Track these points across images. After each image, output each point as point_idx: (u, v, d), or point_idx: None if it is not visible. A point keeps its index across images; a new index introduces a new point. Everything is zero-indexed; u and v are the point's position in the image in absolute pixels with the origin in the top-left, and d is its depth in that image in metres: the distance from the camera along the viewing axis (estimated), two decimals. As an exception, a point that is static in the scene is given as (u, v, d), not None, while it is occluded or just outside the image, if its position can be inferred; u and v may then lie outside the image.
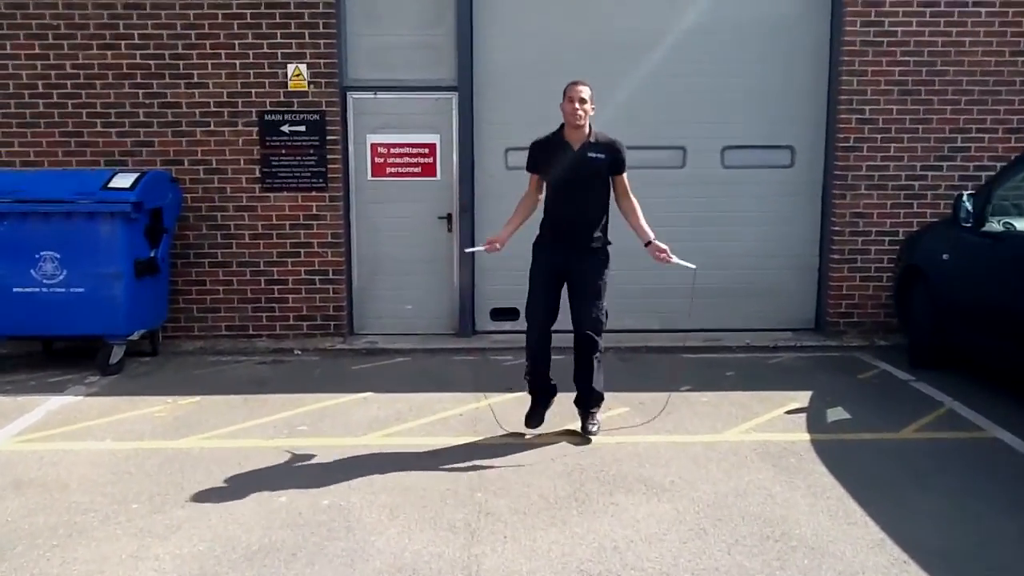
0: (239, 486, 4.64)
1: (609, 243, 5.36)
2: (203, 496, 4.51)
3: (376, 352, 7.64)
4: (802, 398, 6.20)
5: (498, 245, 5.29)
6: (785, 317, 8.41)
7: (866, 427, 5.57)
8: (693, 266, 5.37)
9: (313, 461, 5.05)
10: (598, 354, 5.36)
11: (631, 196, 5.38)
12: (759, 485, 4.64)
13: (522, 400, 5.62)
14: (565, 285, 5.32)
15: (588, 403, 5.54)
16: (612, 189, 5.34)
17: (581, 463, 5.00)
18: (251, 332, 7.97)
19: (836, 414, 5.84)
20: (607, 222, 5.33)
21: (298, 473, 4.86)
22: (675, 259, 5.30)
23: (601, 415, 5.61)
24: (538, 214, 5.38)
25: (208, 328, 7.94)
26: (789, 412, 5.89)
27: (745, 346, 7.87)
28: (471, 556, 3.85)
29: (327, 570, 3.72)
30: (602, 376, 5.46)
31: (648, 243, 5.32)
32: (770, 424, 5.65)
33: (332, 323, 7.99)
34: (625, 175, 5.34)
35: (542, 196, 5.36)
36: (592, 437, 5.40)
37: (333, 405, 6.07)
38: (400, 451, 5.20)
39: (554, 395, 5.56)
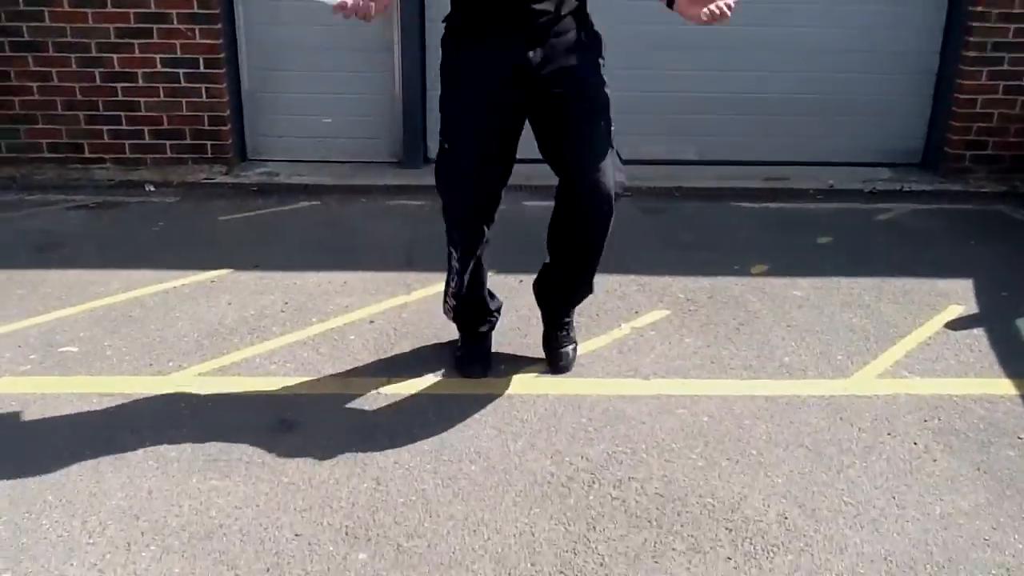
0: None
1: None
2: None
3: (271, 190, 5.00)
4: (959, 292, 3.67)
5: (367, 12, 2.29)
6: (878, 146, 5.72)
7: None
8: None
9: (38, 441, 2.56)
10: (608, 232, 2.78)
11: None
12: (975, 530, 2.21)
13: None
14: (527, 117, 2.68)
15: (568, 306, 3.06)
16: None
17: (581, 466, 2.52)
18: (88, 155, 5.28)
19: (1034, 330, 3.37)
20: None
21: None
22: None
23: (627, 325, 3.10)
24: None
25: (21, 148, 5.24)
26: (950, 325, 3.39)
27: (828, 189, 5.25)
28: None
29: None
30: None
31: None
32: (928, 352, 3.16)
33: (210, 143, 5.30)
34: None
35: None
36: (567, 370, 3.02)
37: (153, 295, 3.52)
38: (212, 427, 2.70)
39: (497, 316, 3.09)
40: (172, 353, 3.05)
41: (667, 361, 3.07)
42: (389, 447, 2.53)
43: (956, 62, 5.39)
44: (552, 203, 2.76)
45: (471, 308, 2.94)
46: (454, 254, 2.79)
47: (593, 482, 2.41)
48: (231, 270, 3.75)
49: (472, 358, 2.99)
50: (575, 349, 3.04)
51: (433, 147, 5.59)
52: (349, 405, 2.75)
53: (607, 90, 2.64)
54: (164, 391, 2.81)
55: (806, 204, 4.93)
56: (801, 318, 3.42)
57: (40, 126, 5.19)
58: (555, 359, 2.99)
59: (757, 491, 2.39)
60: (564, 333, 3.03)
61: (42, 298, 3.46)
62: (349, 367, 2.97)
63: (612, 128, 2.66)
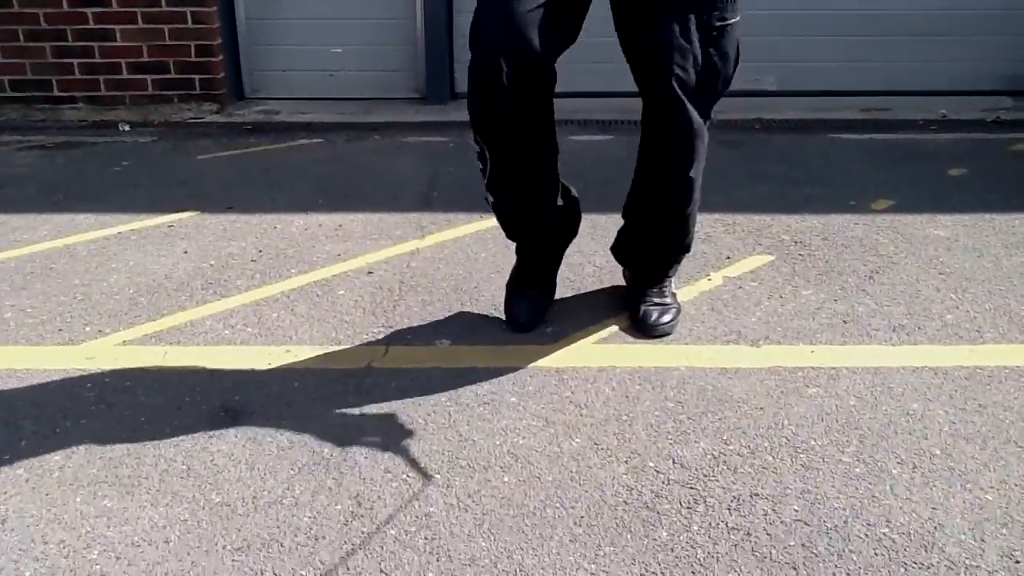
0: None
1: None
2: None
3: (268, 128, 4.15)
4: None
5: None
6: (996, 72, 4.73)
7: None
8: None
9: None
10: (695, 164, 1.93)
11: None
12: None
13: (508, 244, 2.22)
14: None
15: (662, 269, 2.18)
16: None
17: (674, 477, 1.64)
18: (57, 93, 4.49)
19: None
20: None
21: None
22: None
23: (718, 274, 2.24)
24: None
25: (-20, 86, 4.48)
26: None
27: (941, 120, 4.29)
28: None
29: None
30: (697, 206, 2.06)
31: None
32: None
33: (198, 78, 4.47)
34: None
35: None
36: (664, 337, 2.10)
37: (89, 243, 2.69)
38: (122, 419, 1.86)
39: (572, 238, 2.19)
40: (93, 315, 2.22)
41: (782, 321, 2.17)
42: (379, 448, 1.69)
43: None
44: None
45: (521, 206, 2.04)
46: (493, 162, 1.91)
47: (695, 502, 1.54)
48: (197, 213, 2.91)
49: (521, 295, 2.15)
50: (677, 311, 2.17)
51: (461, 81, 4.78)
52: (326, 385, 1.90)
53: None
54: (68, 366, 1.98)
55: (923, 135, 3.97)
56: (956, 263, 2.50)
57: (1, 61, 4.42)
58: (644, 321, 2.12)
59: (957, 514, 1.50)
60: (658, 290, 2.17)
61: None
62: (333, 332, 2.12)
63: (730, 31, 1.84)
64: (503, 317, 2.17)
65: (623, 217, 2.21)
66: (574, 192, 2.11)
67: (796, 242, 2.65)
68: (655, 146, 1.97)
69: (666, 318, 2.12)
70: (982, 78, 4.72)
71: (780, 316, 2.20)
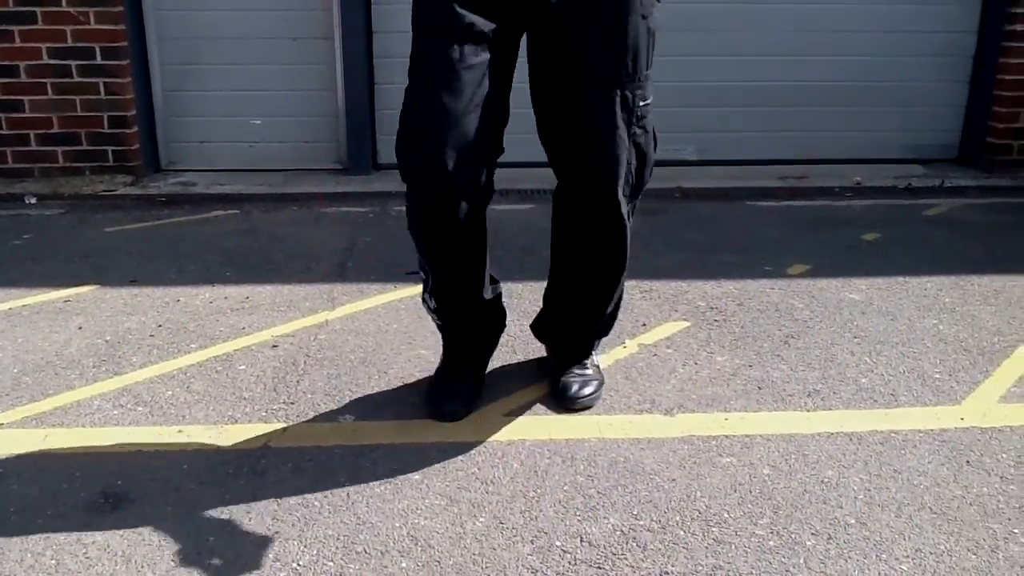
0: None
1: None
2: None
3: (184, 200, 4.04)
4: (1066, 291, 2.79)
5: None
6: (906, 141, 4.89)
7: None
8: None
9: None
10: (626, 234, 1.90)
11: None
12: None
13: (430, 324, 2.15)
14: (523, 46, 1.82)
15: (585, 348, 2.13)
16: None
17: (581, 556, 1.56)
18: (-39, 166, 4.34)
19: None
20: None
21: None
22: None
23: (633, 342, 2.20)
24: None
25: None
26: (1074, 331, 2.48)
27: (856, 187, 4.38)
28: None
29: None
30: (623, 284, 2.03)
31: None
32: (1054, 365, 2.26)
33: (111, 149, 4.36)
34: None
35: None
36: (581, 409, 2.04)
37: (-11, 318, 2.56)
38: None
39: (500, 333, 2.13)
40: (-33, 396, 2.08)
41: (696, 388, 2.13)
42: (273, 534, 1.58)
43: (999, 44, 4.58)
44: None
45: (454, 317, 2.00)
46: (417, 233, 1.85)
47: (602, 583, 1.46)
48: (97, 287, 2.79)
49: (448, 387, 2.05)
50: (600, 384, 2.10)
51: (383, 152, 4.75)
52: (217, 468, 1.78)
53: (641, 28, 1.74)
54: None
55: (839, 202, 4.04)
56: (870, 327, 2.50)
57: (-99, 132, 4.26)
58: (563, 393, 2.05)
59: (873, 589, 1.45)
60: (579, 363, 2.11)
61: None
62: (230, 411, 2.01)
63: (646, 91, 1.80)
64: (411, 390, 2.09)
65: (544, 302, 2.15)
66: (500, 287, 2.05)
67: (712, 308, 2.63)
68: (581, 241, 1.92)
69: (587, 390, 2.05)
70: (895, 147, 4.87)
71: (695, 383, 2.15)
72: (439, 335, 2.08)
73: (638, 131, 1.78)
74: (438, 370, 2.10)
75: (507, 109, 1.78)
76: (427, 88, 1.68)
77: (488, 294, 1.96)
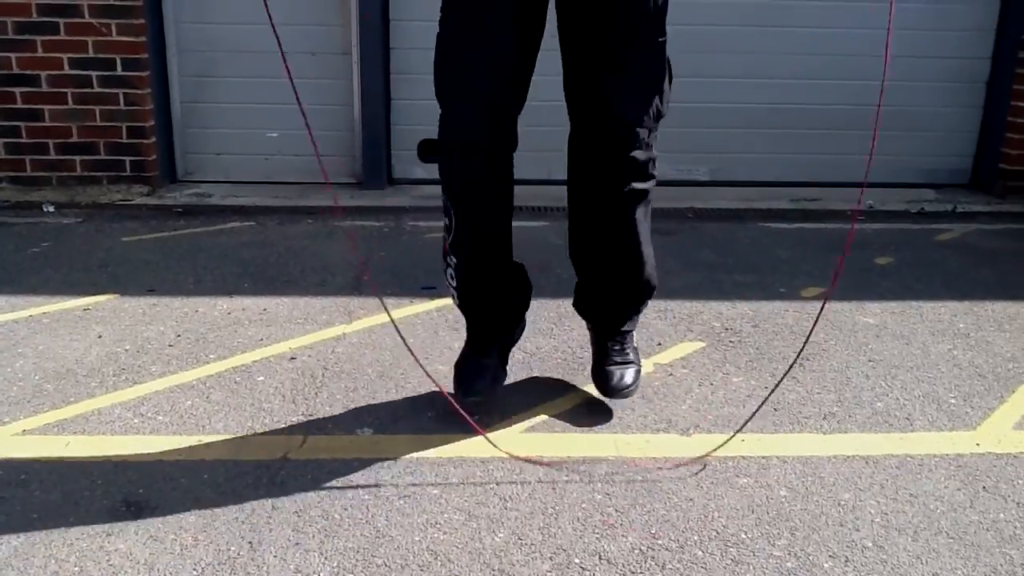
0: None
1: None
2: None
3: (199, 211, 4.08)
4: (1080, 319, 2.79)
5: None
6: (921, 166, 4.92)
7: None
8: None
9: None
10: (644, 202, 1.96)
11: None
12: None
13: (454, 324, 2.18)
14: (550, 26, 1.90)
15: (621, 313, 2.14)
16: None
17: (600, 572, 1.57)
18: (-20, 174, 4.38)
19: None
20: None
21: None
22: None
23: (649, 361, 2.20)
24: None
25: (-101, 165, 4.34)
26: (1090, 357, 2.49)
27: (868, 210, 4.41)
28: None
29: None
30: (652, 249, 2.05)
31: None
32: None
33: (129, 159, 4.40)
34: None
35: None
36: (623, 399, 2.10)
37: (10, 323, 2.56)
38: (11, 516, 1.74)
39: (525, 310, 2.16)
40: (-16, 405, 2.10)
41: (711, 408, 2.14)
42: (289, 546, 1.59)
43: (1012, 72, 4.60)
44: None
45: (475, 291, 2.03)
46: (454, 208, 1.92)
47: (620, 601, 1.46)
48: (116, 296, 2.81)
49: (474, 360, 2.08)
50: (638, 371, 2.12)
51: (398, 166, 4.78)
52: (237, 478, 1.80)
53: (656, 25, 1.86)
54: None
55: (848, 224, 4.05)
56: (884, 351, 2.51)
57: (-79, 139, 4.30)
58: (606, 383, 2.07)
59: (890, 613, 1.45)
60: (619, 347, 2.12)
61: None
62: (249, 421, 2.03)
63: (663, 80, 1.93)
64: (429, 404, 2.10)
65: (574, 266, 2.15)
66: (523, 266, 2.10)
67: (727, 329, 2.64)
68: (595, 178, 1.95)
69: (627, 380, 2.06)
70: (907, 171, 4.89)
71: (711, 404, 2.16)
72: (455, 350, 2.10)
73: (662, 104, 1.90)
74: (463, 352, 2.12)
75: (533, 63, 1.88)
76: (464, 112, 1.79)
77: (511, 255, 2.03)
